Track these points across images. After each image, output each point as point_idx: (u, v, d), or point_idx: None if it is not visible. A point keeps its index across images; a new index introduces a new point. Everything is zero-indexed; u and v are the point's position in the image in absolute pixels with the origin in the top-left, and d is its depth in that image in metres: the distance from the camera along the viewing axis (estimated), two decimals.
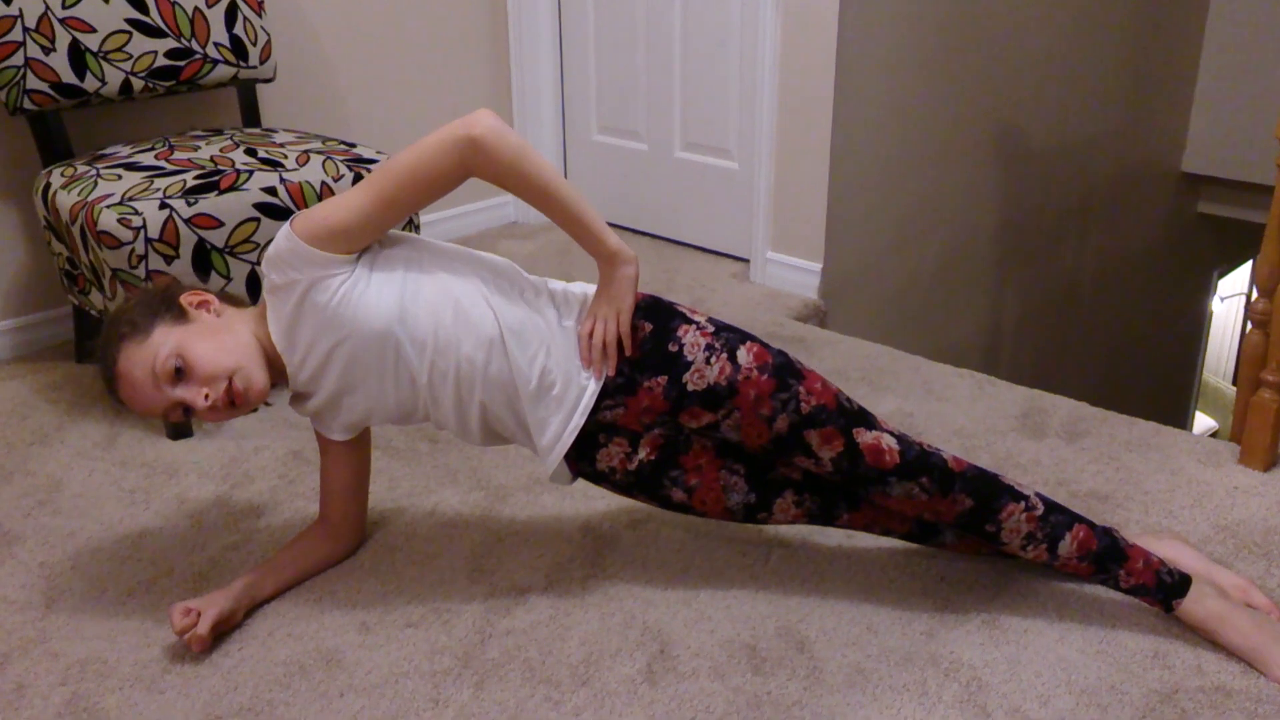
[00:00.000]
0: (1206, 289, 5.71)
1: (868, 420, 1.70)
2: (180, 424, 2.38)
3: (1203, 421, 8.29)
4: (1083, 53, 3.97)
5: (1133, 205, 4.67)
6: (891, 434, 1.70)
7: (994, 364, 4.03)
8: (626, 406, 1.70)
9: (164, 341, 1.63)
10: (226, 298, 1.76)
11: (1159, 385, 5.48)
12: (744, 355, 1.68)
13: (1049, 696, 1.61)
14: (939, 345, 3.66)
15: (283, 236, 1.60)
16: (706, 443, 1.74)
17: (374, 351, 1.65)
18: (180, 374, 1.63)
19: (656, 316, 1.72)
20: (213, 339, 1.66)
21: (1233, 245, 5.56)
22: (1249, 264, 6.38)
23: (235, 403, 1.66)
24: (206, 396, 1.63)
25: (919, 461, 1.68)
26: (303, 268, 1.60)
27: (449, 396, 1.69)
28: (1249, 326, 2.34)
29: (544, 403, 1.69)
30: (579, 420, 1.70)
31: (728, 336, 1.70)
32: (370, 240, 1.64)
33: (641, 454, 1.74)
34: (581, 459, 1.76)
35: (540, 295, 1.72)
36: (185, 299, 1.70)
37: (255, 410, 1.77)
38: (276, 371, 1.72)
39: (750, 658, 1.71)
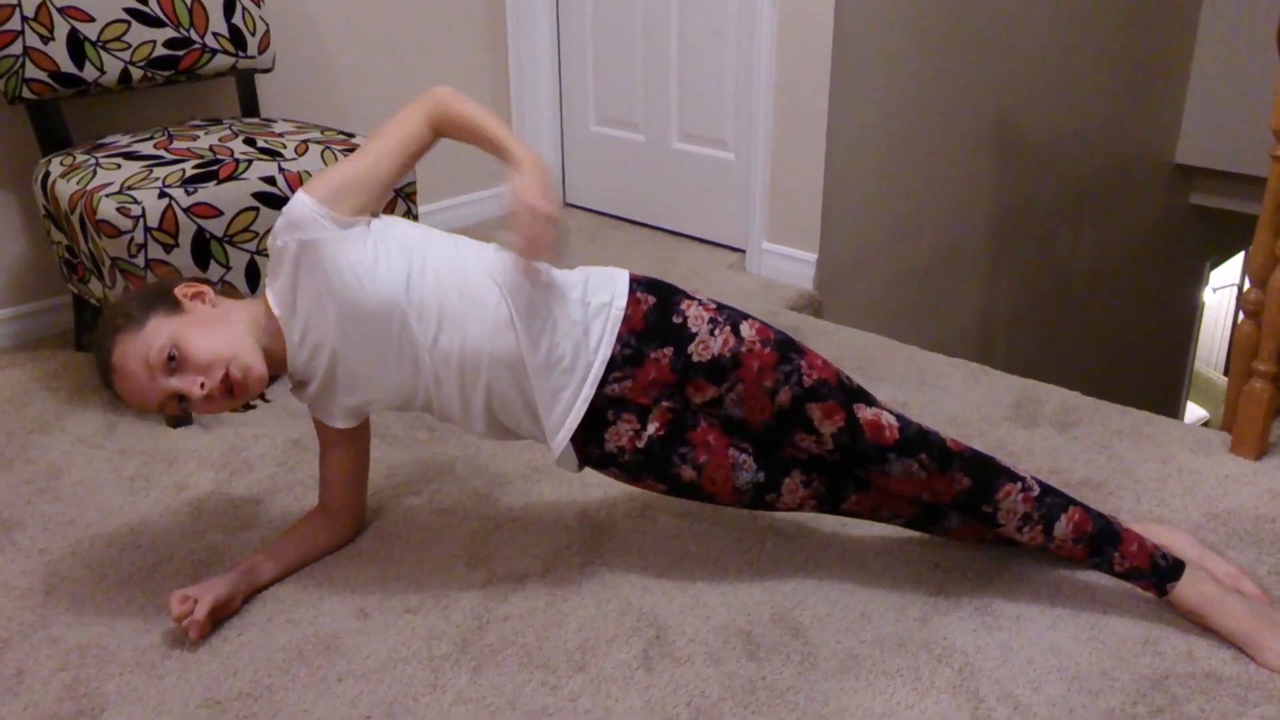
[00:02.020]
0: (1199, 280, 5.73)
1: (867, 398, 1.72)
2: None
3: (1194, 411, 8.32)
4: (1077, 45, 3.98)
5: (1126, 197, 4.69)
6: (890, 413, 1.72)
7: (988, 354, 4.05)
8: (634, 379, 1.72)
9: (158, 332, 1.64)
10: (223, 290, 1.77)
11: (1151, 375, 5.50)
12: (747, 329, 1.71)
13: (1040, 682, 1.63)
14: (933, 335, 3.67)
15: (296, 200, 1.64)
16: (714, 420, 1.75)
17: (378, 325, 1.66)
18: (174, 363, 1.63)
19: (659, 292, 1.75)
20: (207, 329, 1.66)
21: (1225, 236, 5.58)
22: (1241, 255, 6.40)
23: (233, 391, 1.66)
24: (202, 385, 1.63)
25: (918, 438, 1.70)
26: (313, 227, 1.63)
27: (453, 377, 1.70)
28: (1241, 317, 2.35)
29: (552, 376, 1.69)
30: (589, 391, 1.71)
31: (730, 312, 1.74)
32: (373, 196, 1.68)
33: (650, 429, 1.74)
34: (589, 441, 1.76)
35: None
36: (180, 290, 1.71)
37: (253, 407, 1.78)
38: (275, 362, 1.72)
39: (745, 643, 1.72)
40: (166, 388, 1.64)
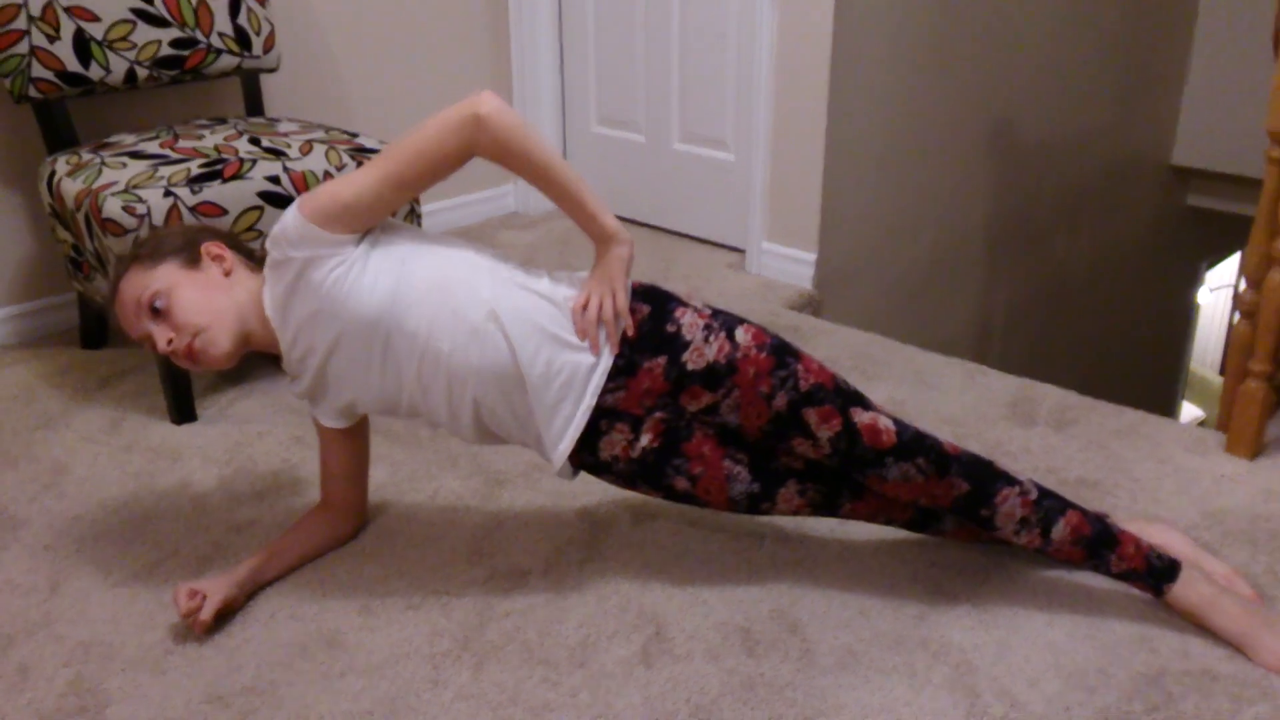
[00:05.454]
0: (1195, 280, 5.74)
1: (864, 401, 1.72)
2: (184, 407, 2.40)
3: (1190, 411, 8.33)
4: (1075, 47, 3.99)
5: (1123, 198, 4.70)
6: (887, 416, 1.72)
7: (985, 354, 4.06)
8: (627, 389, 1.71)
9: (161, 278, 1.70)
10: (247, 263, 1.79)
11: (1147, 375, 5.51)
12: (742, 335, 1.70)
13: (1037, 679, 1.64)
14: (931, 335, 3.68)
15: (289, 214, 1.63)
16: (708, 430, 1.74)
17: (362, 337, 1.67)
18: (157, 312, 1.69)
19: (653, 300, 1.73)
20: (202, 293, 1.70)
21: (1221, 237, 5.58)
22: (1237, 255, 6.41)
23: (194, 359, 1.70)
24: (170, 342, 1.69)
25: (915, 442, 1.70)
26: (302, 246, 1.62)
27: (440, 391, 1.69)
28: (1237, 317, 2.36)
29: (551, 390, 1.68)
30: (590, 401, 1.69)
31: (725, 318, 1.72)
32: (377, 219, 1.65)
33: (644, 440, 1.73)
34: (583, 449, 1.75)
35: (541, 280, 1.72)
36: (206, 248, 1.75)
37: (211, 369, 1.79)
38: (262, 345, 1.75)
39: (744, 640, 1.74)
40: (143, 329, 1.71)
